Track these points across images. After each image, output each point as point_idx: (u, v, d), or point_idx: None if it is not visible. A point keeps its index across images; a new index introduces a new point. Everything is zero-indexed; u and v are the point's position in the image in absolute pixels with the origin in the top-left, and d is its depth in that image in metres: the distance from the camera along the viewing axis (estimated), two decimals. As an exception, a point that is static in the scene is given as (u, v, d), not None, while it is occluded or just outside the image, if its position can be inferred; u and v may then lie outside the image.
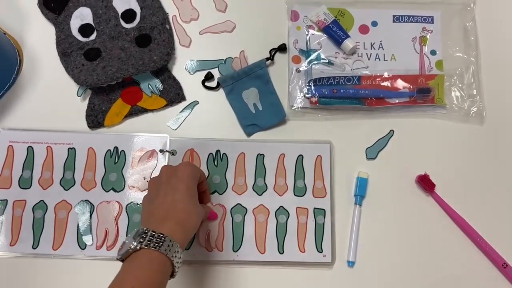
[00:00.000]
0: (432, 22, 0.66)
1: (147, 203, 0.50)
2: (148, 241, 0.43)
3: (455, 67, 0.64)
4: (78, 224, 0.57)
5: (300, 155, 0.60)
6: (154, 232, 0.43)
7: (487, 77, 0.64)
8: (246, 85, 0.63)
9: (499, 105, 0.63)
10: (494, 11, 0.67)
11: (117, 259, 0.44)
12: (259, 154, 0.60)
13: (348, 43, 0.63)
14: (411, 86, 0.62)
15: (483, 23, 0.66)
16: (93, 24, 0.62)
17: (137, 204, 0.58)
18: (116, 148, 0.59)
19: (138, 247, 0.42)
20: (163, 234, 0.43)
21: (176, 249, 0.44)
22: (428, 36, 0.65)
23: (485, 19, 0.66)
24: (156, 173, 0.58)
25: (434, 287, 0.56)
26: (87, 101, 0.61)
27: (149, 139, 0.60)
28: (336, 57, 0.64)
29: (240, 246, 0.57)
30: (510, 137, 0.62)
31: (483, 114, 0.62)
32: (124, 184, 0.58)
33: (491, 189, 0.60)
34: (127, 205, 0.58)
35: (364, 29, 0.66)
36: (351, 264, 0.57)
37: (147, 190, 0.52)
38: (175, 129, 0.61)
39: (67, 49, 0.61)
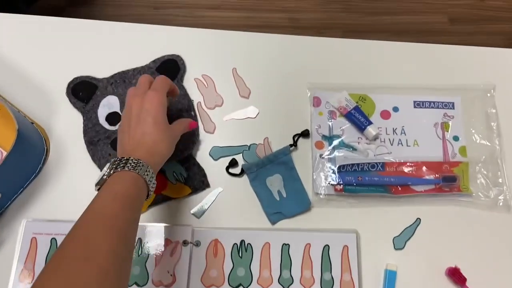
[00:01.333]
0: (453, 108, 0.67)
1: (121, 134, 0.54)
2: (120, 165, 0.47)
3: (479, 154, 0.64)
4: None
5: (326, 245, 0.59)
6: (125, 158, 0.48)
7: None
8: (270, 172, 0.63)
9: (526, 193, 0.62)
10: (513, 96, 0.68)
11: (95, 190, 0.47)
12: (284, 244, 0.59)
13: (371, 130, 0.64)
14: (437, 175, 0.62)
15: (505, 109, 0.66)
16: (120, 113, 0.63)
17: (160, 298, 0.56)
18: (139, 239, 0.58)
19: (111, 172, 0.47)
20: (133, 158, 0.48)
21: (146, 168, 0.48)
22: (450, 122, 0.66)
23: (506, 105, 0.67)
24: (179, 267, 0.57)
25: None
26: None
27: (173, 229, 0.59)
28: (359, 143, 0.65)
29: None
30: (541, 228, 0.61)
31: (509, 204, 0.61)
32: (148, 278, 0.57)
33: (525, 283, 0.58)
34: (150, 300, 0.56)
35: (385, 115, 0.67)
36: None
37: None
38: (199, 218, 0.61)
39: (94, 138, 0.62)
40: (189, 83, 0.67)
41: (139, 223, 0.59)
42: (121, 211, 0.44)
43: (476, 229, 0.61)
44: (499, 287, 0.58)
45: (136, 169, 0.48)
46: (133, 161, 0.48)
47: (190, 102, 0.65)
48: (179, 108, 0.64)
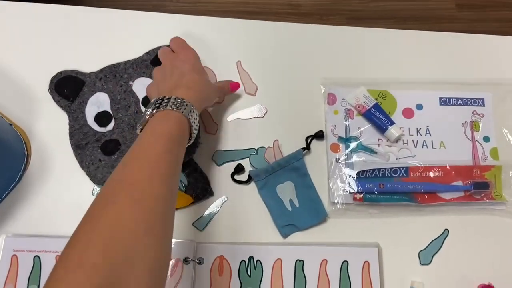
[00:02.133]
0: (483, 105, 0.60)
1: (155, 88, 0.51)
2: (162, 104, 0.44)
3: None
4: None
5: (344, 261, 0.53)
6: (168, 97, 0.45)
7: (550, 169, 0.57)
8: (281, 179, 0.56)
9: None
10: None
11: (137, 132, 0.45)
12: (298, 260, 0.53)
13: (393, 131, 0.57)
14: (467, 181, 0.55)
15: (540, 106, 0.60)
16: (110, 112, 0.56)
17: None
18: (135, 257, 0.52)
19: (154, 112, 0.44)
20: (176, 97, 0.45)
21: (191, 108, 0.45)
22: (479, 121, 0.59)
23: (541, 101, 0.60)
24: (180, 286, 0.51)
25: None
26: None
27: (172, 245, 0.52)
28: (379, 145, 0.58)
29: None
30: None
31: (548, 212, 0.55)
32: (145, 300, 0.50)
33: None
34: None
35: (408, 113, 0.60)
36: None
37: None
38: (202, 230, 0.54)
39: (81, 141, 0.54)
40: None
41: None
42: (164, 153, 0.41)
43: (510, 240, 0.55)
44: (537, 306, 0.52)
45: (180, 108, 0.44)
46: (177, 100, 0.45)
47: (190, 99, 0.58)
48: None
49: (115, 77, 0.57)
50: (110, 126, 0.55)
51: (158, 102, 0.45)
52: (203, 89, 0.50)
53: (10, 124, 0.54)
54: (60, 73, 0.58)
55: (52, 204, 0.54)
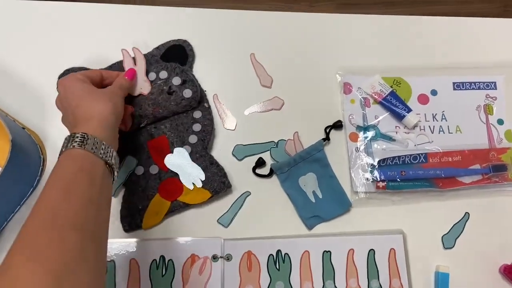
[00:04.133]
0: (495, 88, 0.61)
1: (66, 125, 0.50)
2: (70, 143, 0.42)
3: (527, 138, 0.58)
4: None
5: (371, 249, 0.53)
6: (71, 135, 0.43)
7: None
8: (303, 171, 0.56)
9: None
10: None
11: None
12: (325, 251, 0.53)
13: (411, 118, 0.57)
14: (484, 164, 0.56)
15: (550, 87, 0.61)
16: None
17: (191, 323, 0.49)
18: (162, 257, 0.51)
19: (59, 154, 0.42)
20: (75, 133, 0.42)
21: (94, 141, 0.42)
22: (493, 104, 0.60)
23: (551, 82, 0.61)
24: (210, 285, 0.50)
25: None
26: (120, 200, 0.53)
27: (199, 243, 0.52)
28: (397, 132, 0.58)
29: None
30: None
31: None
32: (176, 300, 0.50)
33: None
34: (178, 324, 0.49)
35: (423, 99, 0.60)
36: None
37: None
38: (227, 227, 0.53)
39: None
40: (201, 72, 0.59)
41: (160, 239, 0.52)
42: (66, 197, 0.37)
43: (528, 221, 0.56)
44: (557, 282, 0.53)
45: (82, 145, 0.42)
46: (77, 136, 0.42)
47: (202, 93, 0.57)
48: (188, 98, 0.55)
49: (125, 73, 0.56)
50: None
51: (65, 141, 0.43)
52: (100, 110, 0.46)
53: (23, 128, 0.52)
54: (68, 70, 0.56)
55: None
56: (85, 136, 0.42)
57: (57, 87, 0.51)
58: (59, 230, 0.35)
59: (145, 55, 0.57)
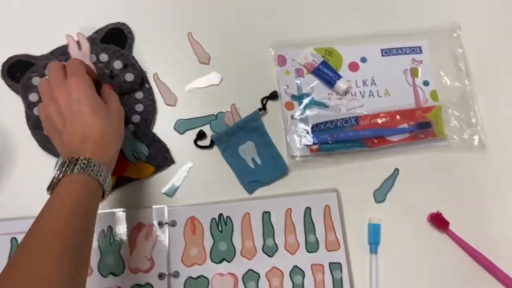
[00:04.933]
0: (421, 52, 0.65)
1: (56, 134, 0.48)
2: (69, 167, 0.43)
3: (450, 96, 0.63)
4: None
5: (307, 207, 0.57)
6: (70, 159, 0.44)
7: (484, 103, 0.63)
8: (242, 140, 0.59)
9: (499, 130, 0.62)
10: (479, 35, 0.66)
11: (48, 194, 0.44)
12: (264, 212, 0.57)
13: (341, 84, 0.61)
14: (411, 122, 0.60)
15: (471, 48, 0.65)
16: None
17: (141, 286, 0.53)
18: (110, 227, 0.54)
19: (61, 176, 0.43)
20: (83, 158, 0.44)
21: (99, 168, 0.44)
22: (418, 67, 0.64)
23: (473, 43, 0.65)
24: (156, 250, 0.54)
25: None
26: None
27: (145, 212, 0.55)
28: (330, 99, 0.62)
29: (258, 317, 0.53)
30: (515, 163, 0.61)
31: (484, 142, 0.61)
32: (124, 266, 0.53)
33: (505, 219, 0.59)
34: (130, 288, 0.53)
35: (353, 67, 0.64)
36: (375, 317, 0.54)
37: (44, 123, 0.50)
38: (172, 196, 0.57)
39: (38, 121, 0.55)
40: (140, 52, 0.62)
41: (106, 210, 0.55)
42: (68, 223, 0.40)
43: (454, 172, 0.60)
44: (482, 226, 0.58)
45: (87, 170, 0.43)
46: (83, 161, 0.43)
47: (142, 73, 0.60)
48: (130, 81, 0.58)
49: (66, 58, 0.58)
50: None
51: (65, 164, 0.43)
52: (111, 138, 0.47)
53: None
54: (11, 57, 0.59)
55: (22, 187, 0.55)
56: (90, 163, 0.43)
57: (47, 91, 0.48)
58: (56, 254, 0.38)
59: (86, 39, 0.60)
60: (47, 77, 0.51)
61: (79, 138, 0.45)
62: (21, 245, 0.39)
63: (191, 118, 0.60)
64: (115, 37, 0.61)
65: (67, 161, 0.44)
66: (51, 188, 0.43)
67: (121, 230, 0.54)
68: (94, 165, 0.44)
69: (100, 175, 0.44)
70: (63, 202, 0.41)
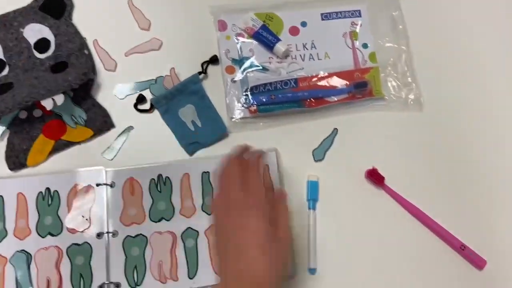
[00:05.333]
0: (360, 16, 0.66)
1: (216, 252, 0.45)
2: None
3: (388, 57, 0.64)
4: (16, 278, 0.52)
5: (246, 166, 0.58)
6: None
7: (420, 64, 0.64)
8: (182, 103, 0.60)
9: (435, 89, 0.63)
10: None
11: None
12: (204, 172, 0.58)
13: (280, 47, 0.62)
14: (348, 82, 0.62)
15: (409, 10, 0.66)
16: (4, 59, 0.57)
17: (78, 245, 0.53)
18: (48, 189, 0.54)
19: None
20: None
21: None
22: (357, 30, 0.65)
23: (410, 6, 0.66)
24: (94, 210, 0.54)
25: (399, 276, 0.56)
26: (5, 142, 0.57)
27: (83, 174, 0.55)
28: (270, 62, 0.63)
29: (196, 272, 0.54)
30: (449, 119, 0.62)
31: (420, 101, 0.62)
32: (62, 226, 0.54)
33: (438, 174, 0.60)
34: (67, 248, 0.53)
35: (294, 31, 0.65)
36: (313, 271, 0.55)
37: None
38: (111, 159, 0.58)
39: None
40: (80, 19, 0.62)
41: (45, 174, 0.56)
42: None
43: (392, 131, 0.62)
44: (417, 181, 0.59)
45: None
46: None
47: (82, 40, 0.60)
48: (70, 48, 0.58)
49: (5, 26, 0.58)
50: (5, 71, 0.57)
51: None
52: (271, 282, 0.42)
53: None
54: None
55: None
56: None
57: (223, 209, 0.45)
58: None
59: (24, 8, 0.60)
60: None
61: (235, 276, 0.42)
62: None
63: (131, 83, 0.61)
64: (54, 5, 0.61)
65: None
66: None
67: (59, 191, 0.55)
68: None
69: None
70: None
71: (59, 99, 0.55)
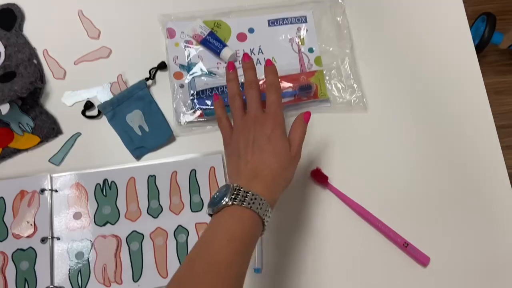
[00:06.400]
0: (306, 22, 0.68)
1: (235, 157, 0.49)
2: (240, 199, 0.43)
3: (332, 61, 0.66)
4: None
5: (192, 169, 0.59)
6: (246, 191, 0.44)
7: (363, 66, 0.66)
8: (129, 109, 0.61)
9: (378, 91, 0.65)
10: (361, 2, 0.69)
11: (208, 213, 0.45)
12: (150, 175, 0.58)
13: (226, 52, 0.63)
14: (293, 85, 0.63)
15: (353, 16, 0.68)
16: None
17: (23, 250, 0.54)
18: (-8, 196, 0.55)
19: (230, 203, 0.43)
20: (254, 194, 0.44)
21: (266, 208, 0.45)
22: (304, 36, 0.67)
23: (354, 11, 0.68)
24: (38, 216, 0.55)
25: (344, 273, 0.56)
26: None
27: (28, 180, 0.56)
28: (218, 68, 0.65)
29: (141, 275, 0.54)
30: (391, 119, 0.64)
31: (364, 102, 0.64)
32: (7, 232, 0.54)
33: (383, 173, 0.61)
34: (12, 253, 0.54)
35: (241, 37, 0.67)
36: (258, 271, 0.56)
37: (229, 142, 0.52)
38: (58, 165, 0.58)
39: None
40: (31, 30, 0.63)
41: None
42: (235, 257, 0.41)
43: (337, 132, 0.63)
44: (361, 180, 0.60)
45: (257, 208, 0.43)
46: (253, 197, 0.44)
47: (31, 50, 0.62)
48: (19, 58, 0.60)
49: None
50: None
51: (234, 193, 0.44)
52: (281, 183, 0.48)
53: None
54: None
55: None
56: (262, 202, 0.44)
57: (245, 121, 0.51)
58: (225, 285, 0.39)
59: (-25, 20, 0.62)
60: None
61: (251, 172, 0.47)
62: (189, 269, 0.40)
63: (79, 90, 0.62)
64: (5, 17, 0.63)
65: (236, 191, 0.44)
66: (217, 210, 0.44)
67: (5, 198, 0.55)
68: (263, 204, 0.44)
69: (265, 215, 0.44)
70: (232, 235, 0.42)
71: (4, 108, 0.56)
